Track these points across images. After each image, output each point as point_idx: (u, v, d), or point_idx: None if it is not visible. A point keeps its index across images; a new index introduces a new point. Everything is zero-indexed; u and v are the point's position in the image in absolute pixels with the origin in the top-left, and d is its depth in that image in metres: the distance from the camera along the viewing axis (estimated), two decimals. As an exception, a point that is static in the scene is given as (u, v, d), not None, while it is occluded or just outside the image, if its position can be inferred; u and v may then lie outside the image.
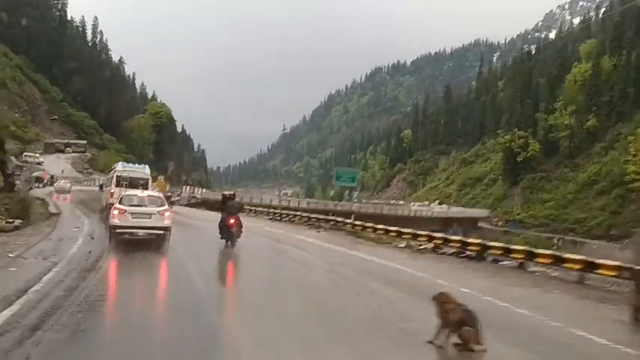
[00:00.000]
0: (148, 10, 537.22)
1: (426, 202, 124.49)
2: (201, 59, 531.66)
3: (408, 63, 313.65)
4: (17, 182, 48.80)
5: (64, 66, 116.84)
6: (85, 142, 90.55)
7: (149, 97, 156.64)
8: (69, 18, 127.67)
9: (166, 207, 14.41)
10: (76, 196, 40.92)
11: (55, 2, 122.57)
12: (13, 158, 58.29)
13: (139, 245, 13.18)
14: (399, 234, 18.09)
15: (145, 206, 13.82)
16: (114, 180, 22.35)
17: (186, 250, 14.17)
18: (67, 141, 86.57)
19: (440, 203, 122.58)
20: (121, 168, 23.36)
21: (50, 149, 77.25)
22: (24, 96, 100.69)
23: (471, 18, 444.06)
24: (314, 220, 25.56)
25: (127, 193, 15.67)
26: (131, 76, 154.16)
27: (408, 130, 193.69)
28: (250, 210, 37.30)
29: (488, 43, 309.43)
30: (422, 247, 15.86)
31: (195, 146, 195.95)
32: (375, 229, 19.26)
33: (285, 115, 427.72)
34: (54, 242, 13.39)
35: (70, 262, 10.29)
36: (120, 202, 13.92)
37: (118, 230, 13.38)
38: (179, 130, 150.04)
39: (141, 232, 13.66)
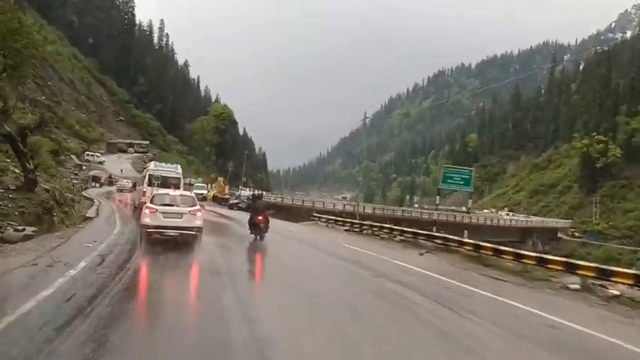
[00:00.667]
0: (212, 12, 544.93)
1: (493, 210, 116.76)
2: (263, 63, 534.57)
3: (473, 66, 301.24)
4: (75, 181, 46.38)
5: (130, 68, 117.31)
6: (147, 142, 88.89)
7: (213, 99, 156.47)
8: (137, 21, 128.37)
9: (198, 207, 13.92)
10: (125, 198, 37.32)
11: (124, 6, 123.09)
12: (74, 157, 56.13)
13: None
14: (541, 262, 11.86)
15: (177, 206, 13.51)
16: (146, 179, 22.20)
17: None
18: (129, 141, 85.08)
19: (510, 211, 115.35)
20: (154, 167, 23.31)
21: (113, 149, 75.52)
22: (92, 97, 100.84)
23: (538, 20, 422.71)
24: (410, 235, 19.01)
25: (159, 192, 15.25)
26: (196, 79, 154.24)
27: (473, 134, 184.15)
28: (319, 218, 31.77)
29: (557, 45, 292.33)
30: (612, 291, 9.69)
31: (257, 149, 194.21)
32: (497, 252, 13.25)
33: (346, 118, 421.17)
34: (39, 269, 8.54)
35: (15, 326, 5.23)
36: (151, 202, 13.61)
37: (149, 230, 12.95)
38: (240, 132, 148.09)
39: (172, 232, 13.12)
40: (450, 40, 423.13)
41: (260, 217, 16.82)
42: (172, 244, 12.81)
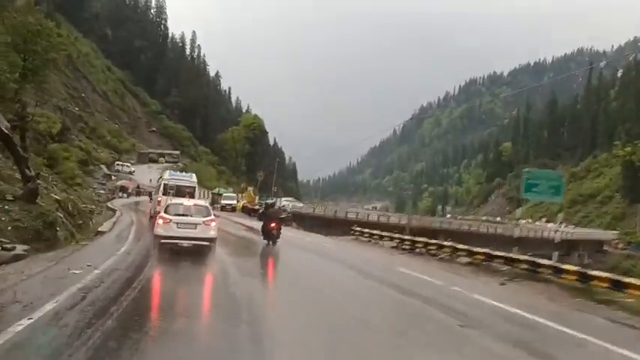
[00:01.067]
0: (241, 23, 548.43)
1: (530, 220, 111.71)
2: (292, 71, 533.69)
3: (505, 74, 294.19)
4: (102, 191, 44.67)
5: (163, 80, 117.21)
6: (178, 152, 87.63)
7: (244, 110, 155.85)
8: (169, 33, 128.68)
9: (212, 217, 13.48)
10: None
11: (156, 18, 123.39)
12: (103, 167, 54.70)
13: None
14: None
15: (191, 216, 13.15)
16: (161, 188, 21.72)
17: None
18: (160, 151, 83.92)
19: (547, 221, 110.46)
20: (168, 176, 22.89)
21: (144, 159, 74.27)
22: (125, 108, 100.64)
23: (571, 27, 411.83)
24: (480, 257, 15.19)
25: (173, 201, 14.76)
26: (227, 90, 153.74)
27: (507, 143, 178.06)
28: (361, 233, 27.57)
29: (593, 52, 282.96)
30: None
31: (287, 158, 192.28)
32: (615, 283, 9.66)
33: (376, 128, 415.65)
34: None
35: None
36: (165, 211, 13.30)
37: (162, 240, 12.68)
38: (271, 142, 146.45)
39: (185, 242, 12.83)
40: (481, 47, 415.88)
41: (273, 225, 17.70)
42: (185, 270, 10.84)
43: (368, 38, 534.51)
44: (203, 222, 12.93)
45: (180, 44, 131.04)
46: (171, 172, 26.06)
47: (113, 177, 52.44)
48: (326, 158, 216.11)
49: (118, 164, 60.30)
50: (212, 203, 55.47)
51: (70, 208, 18.19)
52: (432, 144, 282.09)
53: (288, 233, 25.11)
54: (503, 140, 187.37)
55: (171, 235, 12.57)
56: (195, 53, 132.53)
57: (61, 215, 16.19)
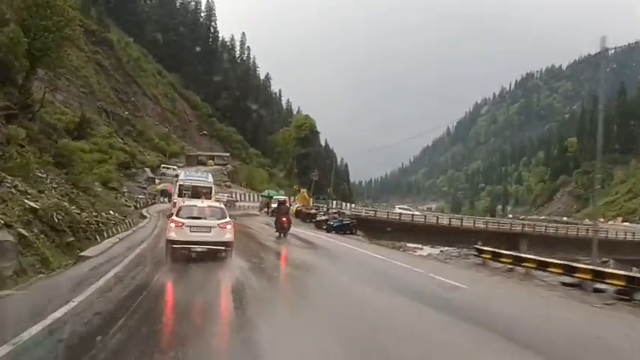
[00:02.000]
0: (291, 24, 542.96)
1: (601, 219, 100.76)
2: (342, 71, 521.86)
3: (564, 67, 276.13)
4: (141, 195, 39.97)
5: (213, 82, 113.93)
6: (227, 154, 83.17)
7: (294, 112, 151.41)
8: (219, 36, 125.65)
9: (228, 219, 12.29)
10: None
11: (206, 21, 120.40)
12: (147, 170, 50.41)
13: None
14: None
15: (205, 218, 12.12)
16: (176, 189, 20.90)
17: None
18: (209, 153, 79.57)
19: (623, 221, 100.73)
20: (184, 177, 21.99)
21: (192, 162, 69.91)
22: (175, 112, 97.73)
23: (632, 16, 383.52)
24: None
25: (186, 203, 13.87)
26: (277, 93, 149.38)
27: (572, 138, 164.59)
28: (496, 256, 17.31)
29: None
30: None
31: (339, 160, 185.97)
32: None
33: (428, 127, 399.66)
34: None
35: None
36: (177, 214, 12.22)
37: (175, 245, 11.53)
38: (322, 143, 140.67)
39: (199, 247, 11.68)
40: (538, 41, 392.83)
41: (284, 219, 20.89)
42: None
43: (418, 36, 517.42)
44: (218, 225, 11.98)
45: (230, 46, 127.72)
46: (187, 172, 25.04)
47: (157, 180, 47.81)
48: (377, 159, 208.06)
49: (163, 167, 55.90)
50: (262, 207, 49.98)
51: (57, 220, 12.59)
52: (488, 142, 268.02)
53: (361, 252, 18.80)
54: (566, 136, 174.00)
55: (184, 239, 11.52)
56: (245, 55, 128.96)
57: (28, 234, 10.54)
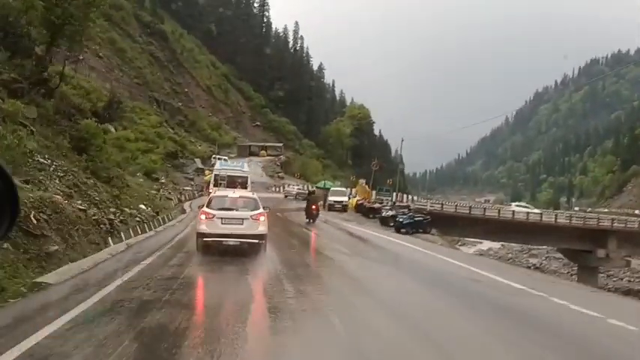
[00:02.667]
0: (345, 13, 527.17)
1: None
2: (393, 60, 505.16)
3: (632, 52, 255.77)
4: (188, 187, 36.65)
5: (266, 73, 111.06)
6: (281, 144, 79.78)
7: (347, 103, 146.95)
8: (272, 27, 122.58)
9: (261, 210, 11.28)
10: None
11: (259, 11, 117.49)
12: (197, 160, 47.49)
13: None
14: None
15: (237, 210, 11.24)
16: (212, 179, 20.00)
17: None
18: (262, 144, 76.42)
19: None
20: (219, 166, 21.63)
21: (244, 152, 66.91)
22: (228, 103, 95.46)
23: None
24: None
25: (217, 194, 13.06)
26: (331, 84, 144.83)
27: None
28: None
29: None
30: None
31: (392, 151, 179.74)
32: None
33: (486, 116, 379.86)
34: None
35: None
36: (208, 206, 11.38)
37: (206, 239, 10.89)
38: (376, 134, 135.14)
39: (232, 240, 11.07)
40: (603, 25, 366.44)
41: (314, 207, 22.07)
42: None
43: (474, 24, 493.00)
44: (251, 216, 10.95)
45: (283, 37, 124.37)
46: (223, 161, 24.97)
47: (207, 171, 44.71)
48: (432, 150, 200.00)
49: (214, 157, 53.05)
50: (289, 195, 45.42)
51: (37, 222, 8.74)
52: (550, 131, 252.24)
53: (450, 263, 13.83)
54: (637, 124, 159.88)
55: (214, 232, 10.67)
56: (298, 45, 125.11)
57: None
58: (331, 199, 34.76)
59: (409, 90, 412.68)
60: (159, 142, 39.68)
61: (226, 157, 56.41)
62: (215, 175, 20.08)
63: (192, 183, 37.75)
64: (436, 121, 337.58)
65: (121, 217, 13.62)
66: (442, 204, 43.49)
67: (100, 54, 58.65)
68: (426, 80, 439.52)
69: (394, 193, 42.83)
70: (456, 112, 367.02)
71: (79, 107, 18.11)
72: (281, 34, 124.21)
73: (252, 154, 66.67)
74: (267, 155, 66.93)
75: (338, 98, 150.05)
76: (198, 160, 46.56)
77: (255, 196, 12.69)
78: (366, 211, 32.07)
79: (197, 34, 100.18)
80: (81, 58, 29.18)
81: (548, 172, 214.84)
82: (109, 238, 11.77)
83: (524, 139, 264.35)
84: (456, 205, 43.43)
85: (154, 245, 11.80)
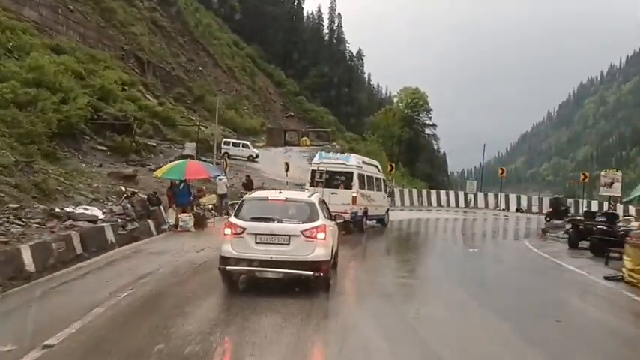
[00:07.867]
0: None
1: None
2: (432, 55, 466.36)
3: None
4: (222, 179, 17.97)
5: (299, 59, 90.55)
6: (329, 129, 60.36)
7: (384, 93, 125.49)
8: (303, 7, 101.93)
9: (321, 222, 6.70)
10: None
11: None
12: (190, 146, 26.89)
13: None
14: None
15: (280, 221, 6.68)
16: (308, 176, 14.85)
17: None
18: (302, 129, 55.96)
19: None
20: (317, 160, 15.34)
21: (277, 139, 46.33)
22: (255, 88, 74.83)
23: None
24: None
25: (252, 195, 7.85)
26: (367, 75, 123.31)
27: None
28: None
29: None
30: None
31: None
32: None
33: (526, 112, 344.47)
34: None
35: None
36: (237, 215, 6.94)
37: (229, 267, 6.53)
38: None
39: (270, 270, 6.44)
40: None
41: None
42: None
43: (519, 18, 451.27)
44: (302, 232, 6.41)
45: (317, 19, 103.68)
46: (323, 153, 17.11)
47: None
48: (473, 148, 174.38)
49: (226, 142, 32.61)
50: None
51: None
52: (598, 125, 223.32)
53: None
54: None
55: (244, 256, 6.33)
56: (335, 27, 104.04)
57: None
58: None
59: (451, 89, 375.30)
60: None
61: (247, 142, 35.52)
62: (312, 170, 14.68)
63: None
64: (474, 117, 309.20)
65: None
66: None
67: (71, 7, 39.20)
68: (463, 76, 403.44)
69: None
70: (497, 110, 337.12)
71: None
72: (315, 17, 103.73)
73: (288, 143, 45.72)
74: (310, 144, 45.55)
75: (376, 87, 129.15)
76: (190, 146, 25.90)
77: (313, 198, 7.30)
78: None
79: (217, 11, 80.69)
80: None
81: (601, 168, 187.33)
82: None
83: (569, 134, 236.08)
84: None
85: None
